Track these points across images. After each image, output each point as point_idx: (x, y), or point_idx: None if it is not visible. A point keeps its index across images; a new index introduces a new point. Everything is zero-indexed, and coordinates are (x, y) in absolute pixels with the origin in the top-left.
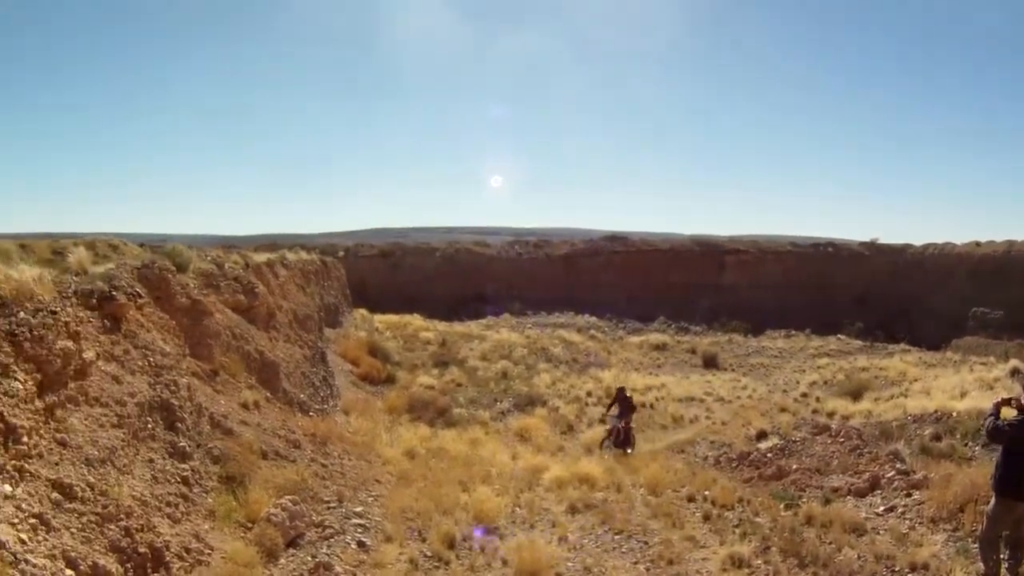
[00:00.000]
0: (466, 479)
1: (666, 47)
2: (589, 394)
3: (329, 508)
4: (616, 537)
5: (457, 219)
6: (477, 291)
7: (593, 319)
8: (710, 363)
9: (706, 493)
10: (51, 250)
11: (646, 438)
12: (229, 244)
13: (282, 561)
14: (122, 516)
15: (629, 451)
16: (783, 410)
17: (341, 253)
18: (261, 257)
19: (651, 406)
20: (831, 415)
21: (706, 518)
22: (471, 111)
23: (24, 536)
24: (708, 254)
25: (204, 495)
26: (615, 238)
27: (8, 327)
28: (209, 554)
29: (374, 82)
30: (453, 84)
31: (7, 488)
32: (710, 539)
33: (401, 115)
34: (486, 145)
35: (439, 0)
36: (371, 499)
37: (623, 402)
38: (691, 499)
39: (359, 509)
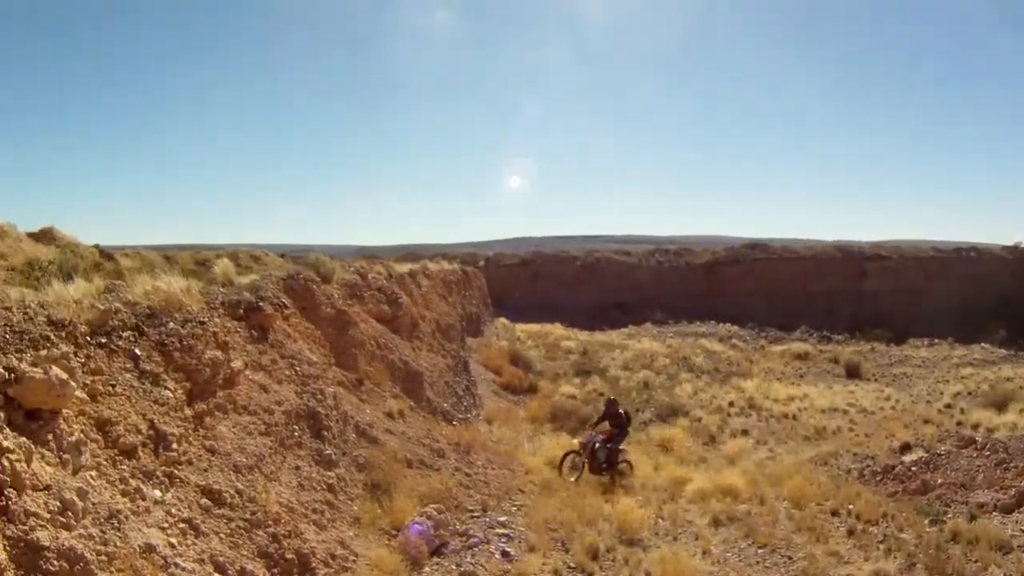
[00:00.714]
0: (609, 490)
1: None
2: (731, 404)
3: (473, 517)
4: (760, 551)
5: (598, 227)
6: (618, 299)
7: (735, 328)
8: (852, 373)
9: (850, 507)
10: (194, 261)
11: (788, 449)
12: (370, 254)
13: (426, 569)
14: (270, 522)
15: (612, 475)
16: (927, 422)
17: (482, 263)
18: (403, 267)
19: (794, 417)
20: (975, 427)
21: (850, 533)
22: (612, 121)
23: (174, 540)
24: (849, 261)
25: (349, 502)
26: (756, 246)
27: (158, 337)
28: (354, 561)
29: (514, 91)
30: (587, 95)
31: (157, 493)
32: (854, 555)
33: (542, 123)
34: (628, 151)
35: None
36: (515, 508)
37: (614, 418)
38: (835, 513)
39: (503, 519)
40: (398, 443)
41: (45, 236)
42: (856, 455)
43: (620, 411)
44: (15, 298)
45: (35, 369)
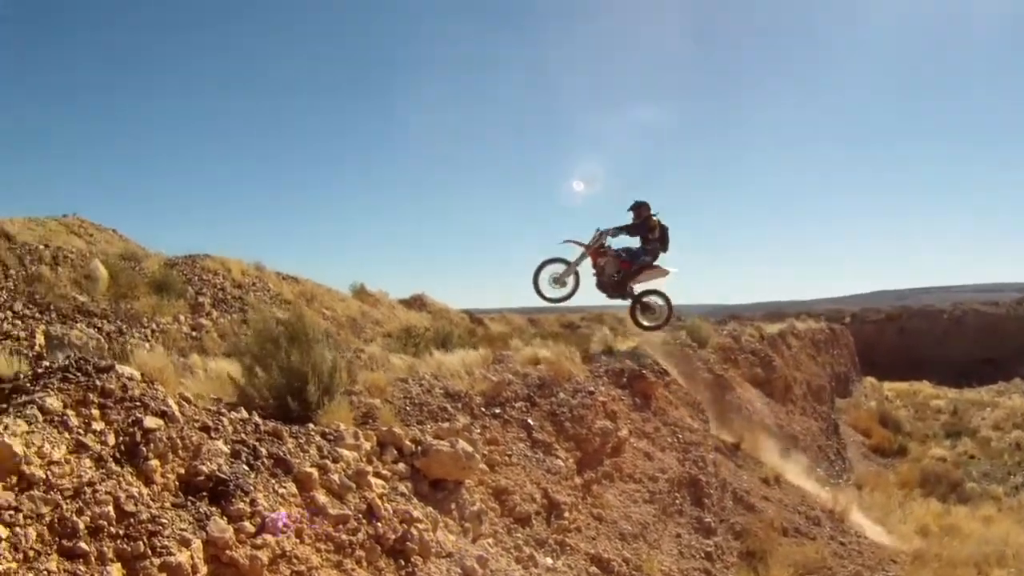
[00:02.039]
0: (980, 560)
1: None
2: None
3: None
4: None
5: (959, 277)
6: (986, 354)
7: None
8: None
9: None
10: (559, 324)
11: None
12: (731, 313)
13: None
14: None
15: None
16: None
17: (847, 319)
18: (773, 328)
19: None
20: None
21: None
22: (970, 156)
23: None
24: None
25: (725, 571)
26: None
27: (549, 407)
28: None
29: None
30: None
31: (548, 561)
32: None
33: (917, 176)
34: (985, 188)
35: None
36: None
37: (638, 228)
38: None
39: None
40: (774, 510)
41: (416, 302)
42: None
43: (655, 218)
44: (401, 367)
45: (442, 443)
